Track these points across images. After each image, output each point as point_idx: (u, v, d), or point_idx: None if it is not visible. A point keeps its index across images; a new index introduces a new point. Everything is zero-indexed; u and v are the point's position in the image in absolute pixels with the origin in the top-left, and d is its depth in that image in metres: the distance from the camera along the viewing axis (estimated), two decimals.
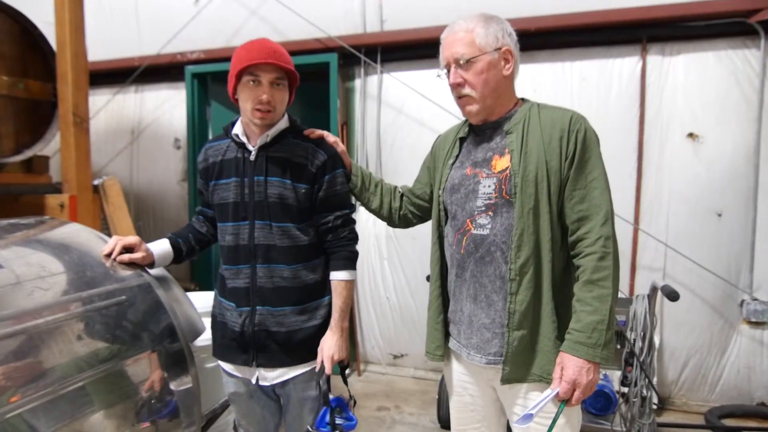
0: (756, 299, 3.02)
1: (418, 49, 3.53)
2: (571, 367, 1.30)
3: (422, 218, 1.80)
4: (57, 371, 1.22)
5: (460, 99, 1.47)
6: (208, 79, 4.09)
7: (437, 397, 2.93)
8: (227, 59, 3.93)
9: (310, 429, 1.52)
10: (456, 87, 1.45)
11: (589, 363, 1.29)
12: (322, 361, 1.56)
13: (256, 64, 1.48)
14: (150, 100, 4.25)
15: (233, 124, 1.69)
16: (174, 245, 1.73)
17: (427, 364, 3.66)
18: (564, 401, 1.31)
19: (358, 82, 3.70)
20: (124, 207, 2.69)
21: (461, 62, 1.43)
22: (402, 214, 1.79)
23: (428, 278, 2.68)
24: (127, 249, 1.63)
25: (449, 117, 3.48)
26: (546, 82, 3.22)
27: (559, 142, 1.37)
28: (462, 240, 1.47)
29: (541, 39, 3.18)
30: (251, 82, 1.51)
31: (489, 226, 1.42)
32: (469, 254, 1.45)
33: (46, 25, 2.83)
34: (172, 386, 1.56)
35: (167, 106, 4.20)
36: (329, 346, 1.57)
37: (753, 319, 3.03)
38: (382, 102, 3.63)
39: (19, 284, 1.32)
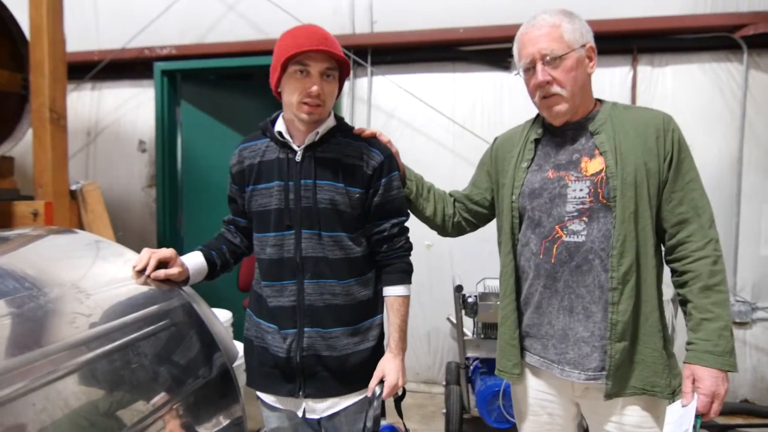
0: (739, 300, 3.16)
1: (410, 52, 3.45)
2: (708, 378, 1.24)
3: (477, 225, 1.70)
4: (122, 410, 1.01)
5: (546, 98, 1.38)
6: (178, 78, 3.79)
7: (445, 411, 2.82)
8: (201, 56, 3.70)
9: None
10: (544, 85, 1.36)
11: (722, 372, 1.24)
12: (378, 387, 1.40)
13: (305, 52, 1.31)
14: (110, 99, 3.88)
15: (273, 121, 1.51)
16: (208, 258, 1.52)
17: (419, 376, 3.54)
18: (700, 415, 1.24)
19: (346, 85, 3.56)
20: (105, 215, 2.39)
21: (549, 59, 1.35)
22: (456, 221, 1.67)
23: (459, 288, 2.59)
24: (161, 263, 1.40)
25: (443, 121, 3.42)
26: None
27: (656, 142, 1.32)
28: (552, 248, 1.38)
29: None
30: (299, 73, 1.35)
31: (584, 233, 1.34)
32: (563, 263, 1.36)
33: (17, 8, 2.47)
34: (223, 420, 1.36)
35: (130, 106, 3.85)
36: (392, 371, 1.41)
37: (737, 320, 3.17)
38: (372, 105, 3.50)
39: (57, 310, 1.08)
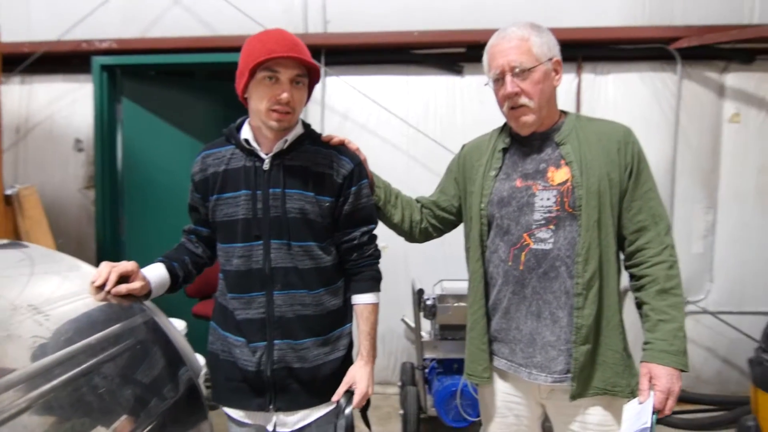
0: None
1: (364, 53, 3.43)
2: (664, 376, 1.31)
3: (443, 231, 1.72)
4: None
5: (514, 109, 1.42)
6: (118, 73, 3.59)
7: (402, 411, 2.84)
8: (143, 51, 3.53)
9: None
10: (512, 96, 1.40)
11: (676, 371, 1.32)
12: (347, 394, 1.39)
13: (275, 59, 1.28)
14: (41, 94, 3.62)
15: (238, 128, 1.47)
16: (170, 270, 1.46)
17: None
18: (657, 411, 1.31)
19: None
20: (44, 222, 2.22)
21: (518, 71, 1.38)
22: (423, 227, 1.69)
23: (420, 292, 2.61)
24: (122, 277, 1.33)
25: (397, 124, 3.44)
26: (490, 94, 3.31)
27: (617, 154, 1.39)
28: (520, 255, 1.42)
29: (482, 52, 3.24)
30: (268, 79, 1.31)
31: (551, 241, 1.39)
32: (531, 270, 1.40)
33: None
34: None
35: (65, 102, 3.61)
36: (363, 379, 1.41)
37: None
38: (326, 107, 3.46)
39: (13, 335, 1.00)
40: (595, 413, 1.40)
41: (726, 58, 3.31)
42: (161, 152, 3.76)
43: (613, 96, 3.37)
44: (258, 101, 1.34)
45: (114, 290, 1.28)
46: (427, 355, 2.76)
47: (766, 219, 3.39)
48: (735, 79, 3.34)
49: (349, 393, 1.39)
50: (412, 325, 2.93)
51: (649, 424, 1.28)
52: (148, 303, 1.40)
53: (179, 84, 3.92)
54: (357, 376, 1.41)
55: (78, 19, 3.42)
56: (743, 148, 3.36)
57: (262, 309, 1.39)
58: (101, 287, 1.27)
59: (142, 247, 3.64)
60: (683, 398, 3.36)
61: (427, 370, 2.84)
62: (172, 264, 1.46)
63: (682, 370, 1.34)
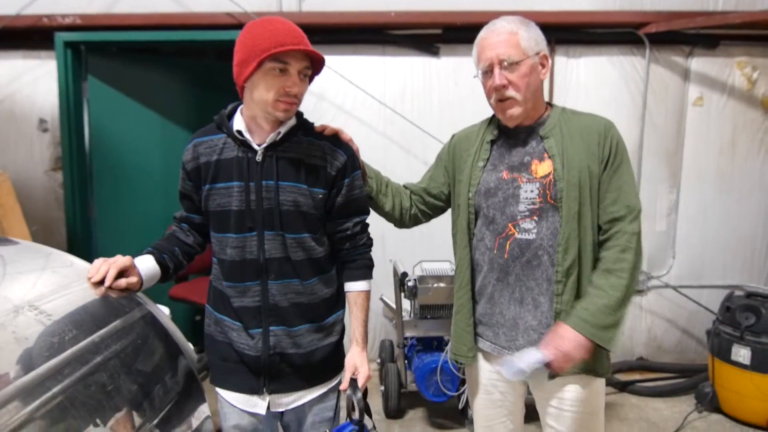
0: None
1: (340, 33, 3.39)
2: (570, 340, 1.34)
3: (431, 216, 1.77)
4: None
5: (502, 102, 1.46)
6: (83, 50, 3.44)
7: (383, 388, 2.93)
8: (109, 28, 3.38)
9: None
10: (500, 89, 1.44)
11: (587, 341, 1.35)
12: (353, 379, 1.45)
13: (287, 51, 1.28)
14: (1, 72, 3.45)
15: (230, 116, 1.45)
16: (160, 262, 1.46)
17: None
18: (547, 364, 1.35)
19: None
20: (18, 209, 2.15)
21: (506, 64, 1.42)
22: (413, 213, 1.73)
23: (404, 275, 2.66)
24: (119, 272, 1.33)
25: (373, 105, 3.44)
26: (464, 76, 3.34)
27: (597, 147, 1.45)
28: (505, 244, 1.48)
29: (458, 34, 3.28)
30: (278, 71, 1.30)
31: (535, 231, 1.45)
32: (515, 258, 1.47)
33: None
34: (193, 422, 1.34)
35: (27, 79, 3.45)
36: (364, 363, 1.47)
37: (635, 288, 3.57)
38: None
39: (20, 336, 1.00)
40: (572, 390, 1.49)
41: (691, 44, 3.43)
42: (130, 132, 3.65)
43: (585, 79, 3.45)
44: (264, 92, 1.32)
45: (114, 285, 1.28)
46: (408, 333, 2.84)
47: (725, 198, 3.57)
48: (699, 63, 3.46)
49: (352, 379, 1.45)
50: (391, 304, 3.00)
51: (529, 370, 1.32)
52: (141, 296, 1.41)
53: (148, 61, 3.79)
54: (357, 362, 1.46)
55: None
56: (705, 130, 3.52)
57: (257, 297, 1.41)
58: (99, 283, 1.27)
59: (113, 229, 3.57)
60: (645, 367, 3.57)
61: (406, 348, 2.93)
62: (162, 256, 1.46)
63: (598, 345, 1.36)
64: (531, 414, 1.68)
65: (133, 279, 1.33)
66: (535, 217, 1.46)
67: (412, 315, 2.88)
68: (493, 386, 1.61)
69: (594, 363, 1.46)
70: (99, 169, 3.56)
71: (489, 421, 1.64)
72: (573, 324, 1.37)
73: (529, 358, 1.35)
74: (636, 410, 3.04)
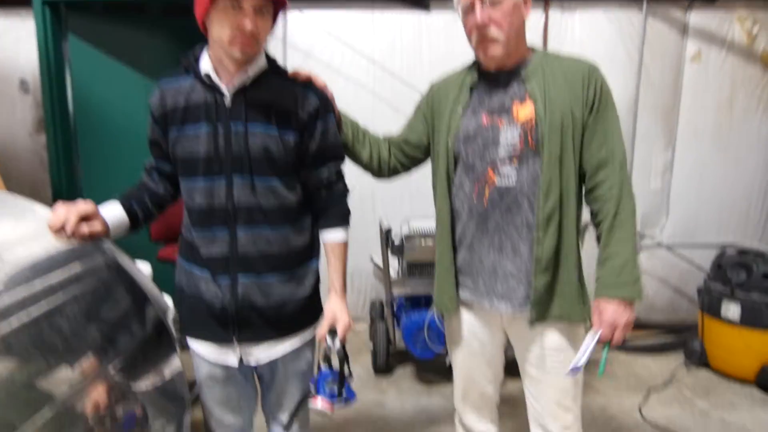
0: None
1: None
2: (607, 311, 1.37)
3: (410, 168, 1.73)
4: (58, 378, 0.95)
5: (483, 41, 1.39)
6: (62, 8, 3.34)
7: (372, 346, 2.94)
8: None
9: (313, 393, 1.39)
10: (482, 27, 1.37)
11: (623, 302, 1.38)
12: (332, 328, 1.43)
13: None
14: None
15: (196, 58, 1.40)
16: (128, 210, 1.42)
17: None
18: (607, 342, 1.39)
19: None
20: None
21: (488, 1, 1.35)
22: (392, 165, 1.69)
23: (388, 231, 2.63)
24: (81, 218, 1.29)
25: (362, 62, 3.35)
26: (456, 32, 3.25)
27: (582, 90, 1.39)
28: (484, 192, 1.44)
29: None
30: (230, 7, 1.25)
31: (515, 176, 1.41)
32: (494, 206, 1.43)
33: None
34: (164, 374, 1.33)
35: (8, 40, 3.37)
36: (343, 312, 1.45)
37: None
38: (288, 44, 3.34)
39: None
40: (552, 338, 1.47)
41: None
42: (114, 92, 3.58)
43: (579, 34, 3.35)
44: (219, 29, 1.27)
45: (76, 232, 1.25)
46: (396, 291, 2.83)
47: (721, 156, 3.51)
48: (698, 17, 3.35)
49: (332, 330, 1.42)
50: (381, 264, 2.98)
51: (586, 355, 1.37)
52: (108, 244, 1.38)
53: (131, 20, 3.69)
54: (337, 311, 1.44)
55: None
56: (703, 86, 3.43)
57: (225, 246, 1.38)
58: (61, 230, 1.23)
59: (100, 191, 3.46)
60: (636, 325, 3.57)
61: (395, 307, 2.92)
62: (130, 203, 1.42)
63: (633, 299, 1.39)
64: (511, 369, 1.67)
65: (96, 226, 1.29)
66: (515, 163, 1.41)
67: (400, 273, 2.86)
68: (472, 336, 1.59)
69: (570, 309, 1.44)
70: (83, 130, 3.50)
71: (468, 371, 1.63)
72: (604, 294, 1.38)
73: (585, 347, 1.38)
74: (624, 366, 3.05)
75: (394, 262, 2.87)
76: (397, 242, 2.68)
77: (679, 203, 3.55)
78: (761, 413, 2.55)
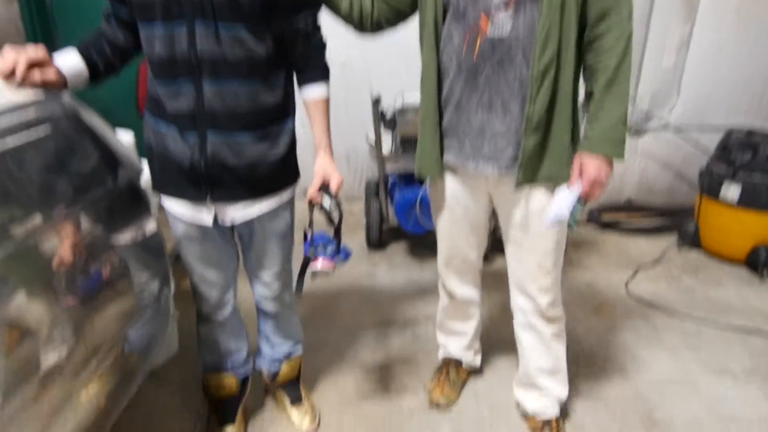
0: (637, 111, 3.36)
1: None
2: (591, 166, 1.31)
3: (395, 23, 1.57)
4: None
5: None
6: None
7: (366, 222, 2.95)
8: None
9: (312, 257, 1.39)
10: None
11: (606, 159, 1.32)
12: (325, 185, 1.40)
13: None
14: None
15: None
16: (87, 58, 1.30)
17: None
18: (583, 199, 1.34)
19: None
20: None
21: None
22: (375, 19, 1.53)
23: (377, 101, 2.50)
24: (33, 65, 1.18)
25: None
26: None
27: None
28: (475, 43, 1.31)
29: None
30: None
31: (510, 26, 1.27)
32: (485, 59, 1.31)
33: None
34: (142, 231, 1.30)
35: None
36: (334, 170, 1.41)
37: (634, 129, 3.41)
38: None
39: None
40: (537, 199, 1.43)
41: None
42: None
43: None
44: None
45: (27, 78, 1.15)
46: (389, 168, 2.78)
47: (741, 36, 3.24)
48: None
49: (325, 187, 1.40)
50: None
51: (568, 212, 1.33)
52: (68, 97, 1.29)
53: None
54: (327, 169, 1.41)
55: None
56: None
57: (192, 101, 1.28)
58: (11, 76, 1.14)
59: None
60: (631, 208, 3.54)
61: (389, 184, 2.89)
62: (89, 51, 1.30)
63: (615, 158, 1.33)
64: (500, 246, 1.65)
65: (49, 74, 1.19)
66: (511, 9, 1.27)
67: (393, 150, 2.79)
68: (455, 201, 1.55)
69: (560, 170, 1.38)
70: None
71: (452, 237, 1.62)
72: (589, 148, 1.32)
73: (562, 200, 1.33)
74: (616, 246, 3.07)
75: (387, 138, 2.78)
76: (389, 116, 2.56)
77: (692, 82, 3.34)
78: (748, 291, 2.59)
